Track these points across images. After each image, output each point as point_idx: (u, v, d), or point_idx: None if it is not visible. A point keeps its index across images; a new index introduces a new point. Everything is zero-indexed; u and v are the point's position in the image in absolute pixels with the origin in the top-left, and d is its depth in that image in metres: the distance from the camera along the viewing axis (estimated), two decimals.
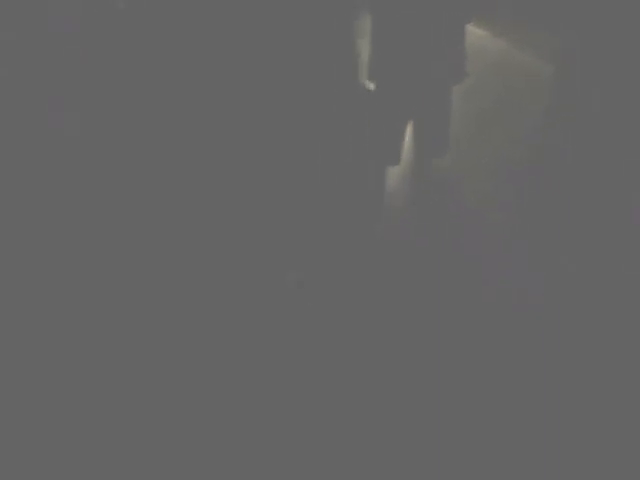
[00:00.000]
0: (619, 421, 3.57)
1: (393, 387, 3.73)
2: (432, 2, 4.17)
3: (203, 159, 4.79)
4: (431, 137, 4.47)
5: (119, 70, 5.07)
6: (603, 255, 4.28)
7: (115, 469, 3.45)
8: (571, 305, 4.05)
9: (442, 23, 4.20)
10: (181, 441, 3.54)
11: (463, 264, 4.21)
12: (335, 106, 4.92)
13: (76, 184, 4.62)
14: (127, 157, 4.76)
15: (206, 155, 4.81)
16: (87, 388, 3.74)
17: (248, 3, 5.30)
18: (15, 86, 4.94)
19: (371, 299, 4.10)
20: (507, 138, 4.78)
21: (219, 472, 3.44)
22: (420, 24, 4.19)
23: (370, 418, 3.61)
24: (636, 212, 4.46)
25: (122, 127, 4.88)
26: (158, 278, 4.23)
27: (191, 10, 5.23)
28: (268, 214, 4.52)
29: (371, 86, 4.70)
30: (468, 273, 4.17)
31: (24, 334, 3.96)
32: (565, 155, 4.72)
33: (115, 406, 3.67)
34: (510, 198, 4.48)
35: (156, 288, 4.18)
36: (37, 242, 4.36)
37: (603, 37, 5.06)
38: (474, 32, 5.31)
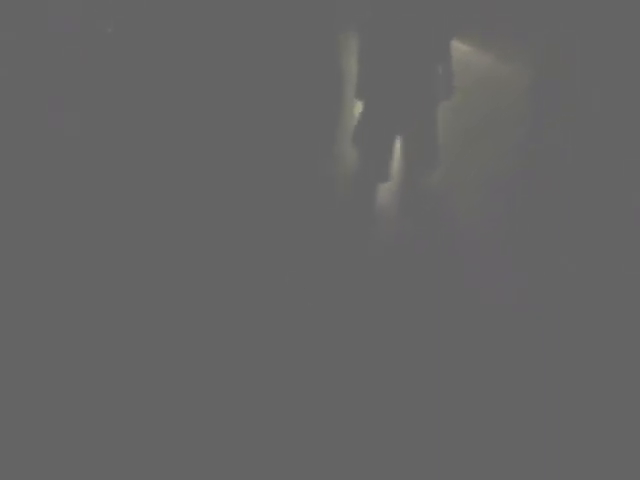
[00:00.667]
0: (619, 423, 3.57)
1: (391, 387, 3.73)
2: (416, 20, 4.22)
3: (202, 160, 4.79)
4: (421, 152, 4.50)
5: (117, 75, 5.07)
6: (596, 257, 4.28)
7: (115, 469, 3.45)
8: (562, 308, 4.06)
9: (427, 40, 4.25)
10: (181, 441, 3.54)
11: (455, 272, 4.21)
12: (323, 117, 4.96)
13: (76, 184, 4.63)
14: (126, 157, 4.77)
15: (206, 156, 4.81)
16: (87, 388, 3.74)
17: (235, 21, 5.33)
18: (15, 86, 4.95)
19: (367, 306, 4.11)
20: (495, 151, 4.81)
21: (219, 472, 3.44)
22: (406, 42, 4.23)
23: (367, 418, 3.61)
24: (637, 213, 4.46)
25: (121, 127, 4.89)
26: (157, 278, 4.23)
27: (175, 31, 5.26)
28: (267, 218, 4.53)
29: (359, 104, 4.75)
30: (461, 280, 4.18)
31: (24, 334, 3.96)
32: (554, 165, 4.74)
33: (115, 406, 3.66)
34: (500, 209, 4.50)
35: (155, 287, 4.18)
36: (37, 241, 4.36)
37: (587, 43, 5.07)
38: (460, 48, 5.34)
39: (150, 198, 4.59)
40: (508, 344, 3.88)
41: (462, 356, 3.83)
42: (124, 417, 3.63)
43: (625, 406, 3.62)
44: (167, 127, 4.90)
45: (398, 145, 4.81)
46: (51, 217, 4.48)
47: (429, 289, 4.14)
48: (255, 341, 3.93)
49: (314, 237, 4.43)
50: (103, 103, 4.96)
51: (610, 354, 3.82)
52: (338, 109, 5.00)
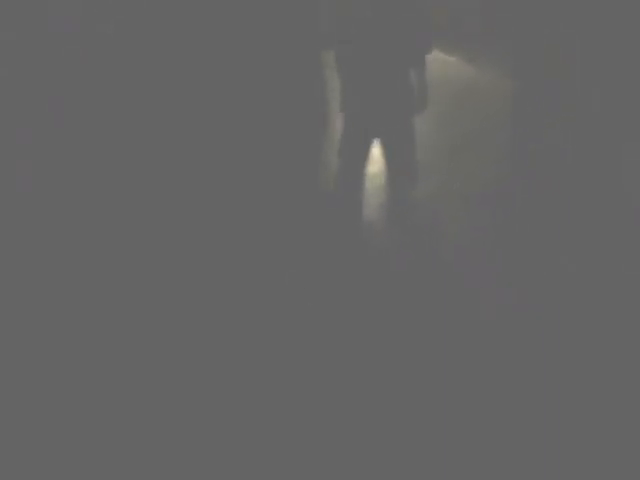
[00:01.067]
0: (619, 423, 3.57)
1: (389, 388, 3.74)
2: (392, 36, 4.26)
3: (200, 163, 4.80)
4: (401, 168, 4.53)
5: (117, 75, 5.08)
6: (596, 259, 4.29)
7: (115, 469, 3.45)
8: (559, 314, 4.06)
9: (402, 55, 4.29)
10: (181, 441, 3.55)
11: (444, 282, 4.22)
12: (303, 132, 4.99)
13: (76, 184, 4.63)
14: (125, 157, 4.77)
15: (203, 159, 4.82)
16: (87, 388, 3.74)
17: (223, 30, 5.35)
18: (15, 86, 4.95)
19: (355, 318, 4.12)
20: (482, 160, 4.83)
21: (219, 472, 3.44)
22: (380, 57, 4.28)
23: (364, 420, 3.62)
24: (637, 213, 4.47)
25: (122, 127, 4.89)
26: (157, 278, 4.23)
27: (174, 33, 5.28)
28: (254, 228, 4.54)
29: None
30: (450, 290, 4.19)
31: (24, 334, 3.96)
32: (553, 165, 4.76)
33: (115, 406, 3.67)
34: (488, 218, 4.52)
35: (155, 288, 4.19)
36: (37, 242, 4.37)
37: (587, 43, 5.08)
38: (445, 59, 5.37)
39: (150, 199, 4.60)
40: (501, 353, 3.88)
41: (453, 363, 3.83)
42: (124, 416, 3.64)
43: (625, 406, 3.63)
44: (166, 128, 4.91)
45: (382, 156, 4.83)
46: (51, 217, 4.48)
47: (418, 300, 4.15)
48: (247, 346, 3.95)
49: (304, 248, 4.44)
50: (103, 103, 4.96)
51: (610, 356, 3.83)
52: (324, 123, 5.04)
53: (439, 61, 5.29)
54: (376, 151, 4.82)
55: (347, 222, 4.59)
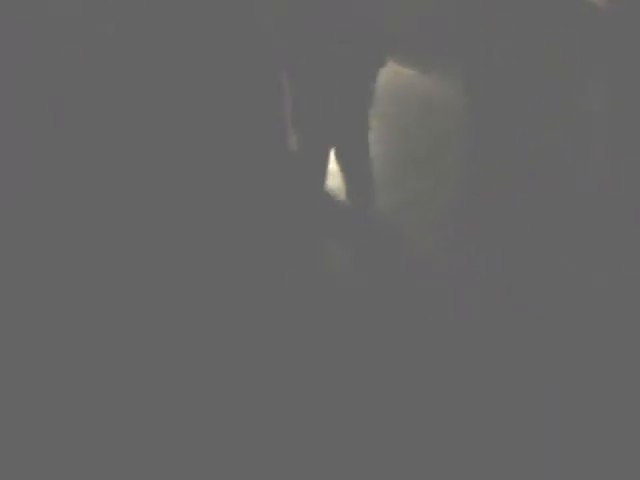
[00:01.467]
0: (619, 424, 3.56)
1: (389, 388, 3.73)
2: (344, 49, 4.19)
3: (200, 162, 4.80)
4: (357, 182, 4.50)
5: (118, 74, 5.08)
6: (594, 260, 4.28)
7: (115, 469, 3.45)
8: (543, 318, 4.04)
9: (354, 69, 4.22)
10: (181, 441, 3.54)
11: (411, 297, 4.21)
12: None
13: (76, 184, 4.63)
14: (127, 157, 4.77)
15: (202, 159, 4.82)
16: (87, 389, 3.74)
17: (222, 30, 5.32)
18: (15, 86, 4.94)
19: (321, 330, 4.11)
20: (442, 172, 4.82)
21: (219, 472, 3.44)
22: (332, 72, 4.21)
23: (369, 418, 3.62)
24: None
25: (122, 127, 4.89)
26: (156, 278, 4.23)
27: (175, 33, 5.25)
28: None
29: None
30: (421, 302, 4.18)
31: (24, 334, 3.96)
32: (550, 166, 4.75)
33: (115, 406, 3.67)
34: (450, 230, 4.51)
35: (154, 288, 4.18)
36: (37, 242, 4.36)
37: (586, 43, 5.07)
38: (402, 72, 5.36)
39: (149, 199, 4.60)
40: (490, 366, 3.85)
41: (435, 378, 3.81)
42: (124, 417, 3.64)
43: (625, 407, 3.62)
44: (165, 128, 4.91)
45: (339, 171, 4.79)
46: (51, 217, 4.48)
47: (394, 310, 4.13)
48: (255, 334, 3.95)
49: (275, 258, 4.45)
50: (103, 103, 4.96)
51: (609, 364, 3.81)
52: (283, 141, 5.00)
53: (395, 74, 5.29)
54: (334, 165, 4.80)
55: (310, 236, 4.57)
